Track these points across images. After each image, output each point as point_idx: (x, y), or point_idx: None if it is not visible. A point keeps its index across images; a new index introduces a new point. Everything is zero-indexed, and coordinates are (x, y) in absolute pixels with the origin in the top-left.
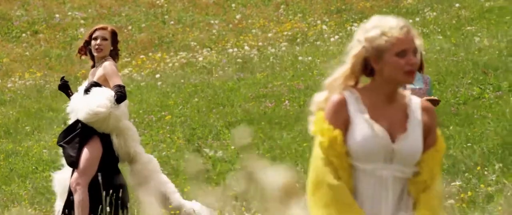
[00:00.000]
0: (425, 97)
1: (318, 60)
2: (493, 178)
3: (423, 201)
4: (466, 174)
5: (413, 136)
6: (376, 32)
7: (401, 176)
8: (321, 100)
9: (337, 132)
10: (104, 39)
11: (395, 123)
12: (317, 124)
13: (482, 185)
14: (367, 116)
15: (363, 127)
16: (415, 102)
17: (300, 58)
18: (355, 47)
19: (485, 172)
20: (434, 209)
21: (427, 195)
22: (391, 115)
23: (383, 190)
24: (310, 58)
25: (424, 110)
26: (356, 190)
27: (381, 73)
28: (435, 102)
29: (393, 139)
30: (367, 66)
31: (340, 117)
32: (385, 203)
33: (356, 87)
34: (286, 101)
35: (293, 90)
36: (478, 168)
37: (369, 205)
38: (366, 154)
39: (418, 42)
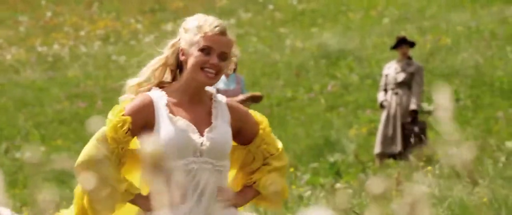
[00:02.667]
0: (249, 94)
1: (135, 60)
2: (305, 179)
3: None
4: None
5: (220, 130)
6: (193, 24)
7: (212, 169)
8: (134, 85)
9: (128, 118)
10: None
11: (200, 119)
12: (112, 112)
13: (293, 186)
14: (171, 114)
15: (169, 124)
16: (221, 102)
17: (113, 57)
18: (175, 38)
19: (298, 173)
20: (277, 175)
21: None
22: (196, 113)
23: (197, 183)
24: (124, 57)
25: (230, 107)
26: (168, 188)
27: (186, 67)
28: (257, 98)
29: (200, 134)
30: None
31: (140, 115)
32: (200, 197)
33: (164, 88)
34: (99, 101)
35: (106, 90)
36: (291, 169)
37: (183, 201)
38: (176, 149)
39: (231, 48)
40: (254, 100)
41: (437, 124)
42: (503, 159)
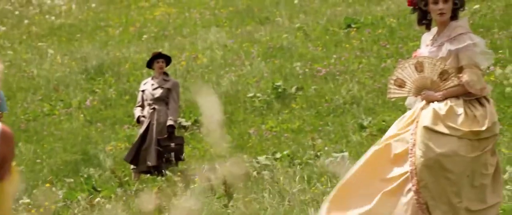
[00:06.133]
0: None
1: None
2: (61, 195)
3: None
4: (34, 191)
5: None
6: None
7: None
8: None
9: None
10: None
11: None
12: None
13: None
14: None
15: None
16: None
17: None
18: None
19: (53, 189)
20: None
21: None
22: None
23: None
24: None
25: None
26: None
27: None
28: None
29: None
30: None
31: None
32: None
33: None
34: None
35: None
36: (47, 184)
37: None
38: None
39: None
40: None
41: (194, 139)
42: (255, 174)
